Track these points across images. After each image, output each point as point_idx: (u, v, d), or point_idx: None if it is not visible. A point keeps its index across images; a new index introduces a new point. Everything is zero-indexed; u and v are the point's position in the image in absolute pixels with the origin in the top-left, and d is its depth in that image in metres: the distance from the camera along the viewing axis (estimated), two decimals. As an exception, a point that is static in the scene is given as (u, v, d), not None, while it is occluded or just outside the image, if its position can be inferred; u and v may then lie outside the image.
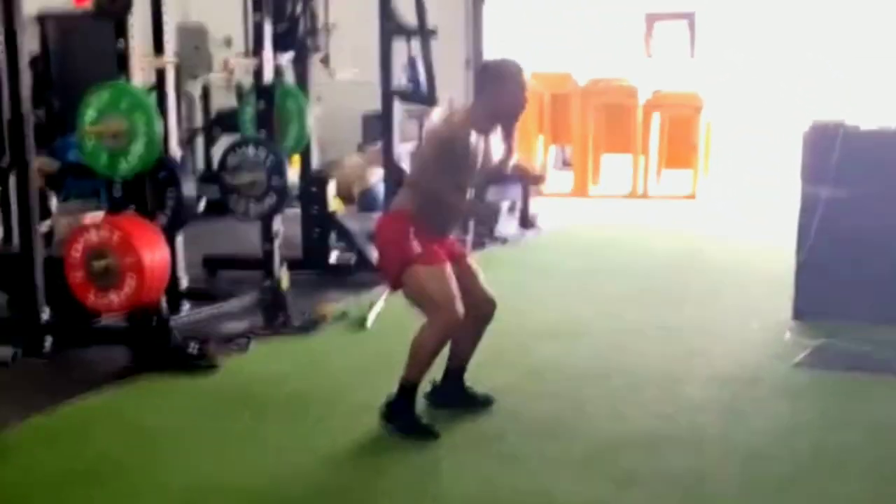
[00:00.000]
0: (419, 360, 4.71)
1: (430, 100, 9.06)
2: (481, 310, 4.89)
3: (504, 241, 9.99)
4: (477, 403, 5.07)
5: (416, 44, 8.99)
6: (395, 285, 4.82)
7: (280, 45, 7.03)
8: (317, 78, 8.53)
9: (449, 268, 4.72)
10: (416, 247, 4.69)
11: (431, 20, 8.97)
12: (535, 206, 11.62)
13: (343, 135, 13.73)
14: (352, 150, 13.89)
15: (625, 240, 10.10)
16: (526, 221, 10.67)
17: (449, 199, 4.72)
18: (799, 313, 6.66)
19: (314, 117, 7.99)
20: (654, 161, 13.02)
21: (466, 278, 4.84)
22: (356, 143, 13.99)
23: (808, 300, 6.65)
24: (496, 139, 4.88)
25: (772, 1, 19.17)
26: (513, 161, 5.00)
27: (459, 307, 4.65)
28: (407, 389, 4.74)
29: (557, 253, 9.44)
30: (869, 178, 6.48)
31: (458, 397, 5.06)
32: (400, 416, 4.74)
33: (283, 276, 6.83)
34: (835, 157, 6.48)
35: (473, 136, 4.68)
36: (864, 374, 5.57)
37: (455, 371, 5.06)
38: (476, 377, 5.16)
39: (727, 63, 17.20)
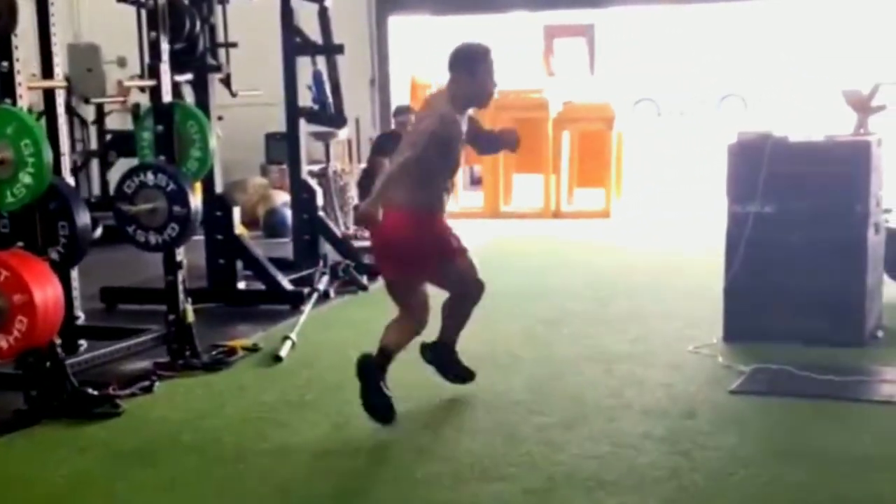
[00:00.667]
0: (463, 321, 5.42)
1: (337, 120, 8.71)
2: (472, 290, 5.34)
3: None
4: (460, 375, 5.52)
5: (321, 62, 8.65)
6: (432, 275, 5.20)
7: (178, 65, 6.60)
8: (218, 98, 8.14)
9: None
10: (454, 238, 5.23)
11: (335, 39, 8.63)
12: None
13: (246, 155, 13.35)
14: (255, 171, 13.48)
15: (542, 260, 9.84)
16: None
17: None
18: (729, 335, 6.44)
19: (216, 139, 7.59)
20: (566, 178, 12.81)
21: (463, 260, 5.30)
22: (259, 164, 13.58)
23: (739, 321, 6.43)
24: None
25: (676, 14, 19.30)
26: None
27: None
28: (450, 343, 5.46)
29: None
30: (798, 192, 6.29)
31: (447, 361, 5.52)
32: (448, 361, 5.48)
33: (188, 310, 6.40)
34: (763, 170, 6.28)
35: (459, 119, 5.03)
36: (804, 401, 5.33)
37: (446, 343, 5.49)
38: (408, 409, 5.05)
39: (632, 76, 17.21)
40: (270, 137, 12.91)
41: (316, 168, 11.52)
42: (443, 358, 5.49)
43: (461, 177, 14.30)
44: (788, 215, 6.30)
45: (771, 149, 6.29)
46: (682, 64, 31.49)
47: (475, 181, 14.97)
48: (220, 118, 8.79)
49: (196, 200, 6.18)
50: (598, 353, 6.37)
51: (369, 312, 7.90)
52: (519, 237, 11.53)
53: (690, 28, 28.81)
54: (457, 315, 5.41)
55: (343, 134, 11.35)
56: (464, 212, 12.07)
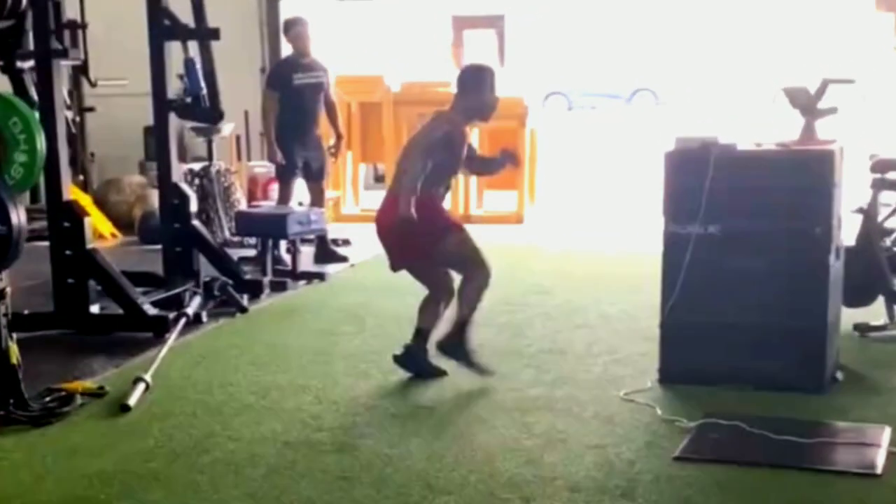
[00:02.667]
0: (472, 303, 5.64)
1: (213, 114, 7.55)
2: (470, 270, 5.69)
3: (320, 277, 8.63)
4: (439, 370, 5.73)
5: (194, 48, 7.51)
6: (427, 258, 5.68)
7: (7, 48, 5.43)
8: (83, 88, 7.00)
9: None
10: (447, 218, 5.75)
11: (220, 22, 7.48)
12: (340, 232, 10.30)
13: (123, 151, 12.14)
14: (133, 168, 12.24)
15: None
16: (330, 254, 9.36)
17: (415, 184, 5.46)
18: (667, 377, 5.48)
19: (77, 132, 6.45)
20: (475, 180, 11.73)
21: (456, 235, 5.71)
22: (138, 160, 12.32)
23: (678, 361, 5.48)
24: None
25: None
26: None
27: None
28: (462, 327, 5.63)
29: (370, 292, 8.02)
30: (748, 210, 5.32)
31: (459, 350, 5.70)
32: (455, 350, 5.66)
33: (13, 348, 5.22)
34: (707, 184, 5.31)
35: (463, 129, 5.74)
36: (762, 470, 4.37)
37: (424, 333, 5.75)
38: (287, 486, 4.11)
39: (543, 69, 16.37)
40: (149, 131, 11.66)
41: (197, 167, 10.38)
42: (457, 348, 5.69)
43: (363, 175, 13.20)
44: (736, 237, 5.33)
45: (716, 159, 5.32)
46: (594, 57, 30.85)
47: (378, 178, 13.83)
48: (90, 109, 7.69)
49: (21, 216, 5.00)
50: (513, 400, 5.34)
51: (246, 339, 6.80)
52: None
53: (603, 19, 28.14)
54: (460, 296, 5.69)
55: (228, 129, 10.22)
56: (365, 214, 10.88)
